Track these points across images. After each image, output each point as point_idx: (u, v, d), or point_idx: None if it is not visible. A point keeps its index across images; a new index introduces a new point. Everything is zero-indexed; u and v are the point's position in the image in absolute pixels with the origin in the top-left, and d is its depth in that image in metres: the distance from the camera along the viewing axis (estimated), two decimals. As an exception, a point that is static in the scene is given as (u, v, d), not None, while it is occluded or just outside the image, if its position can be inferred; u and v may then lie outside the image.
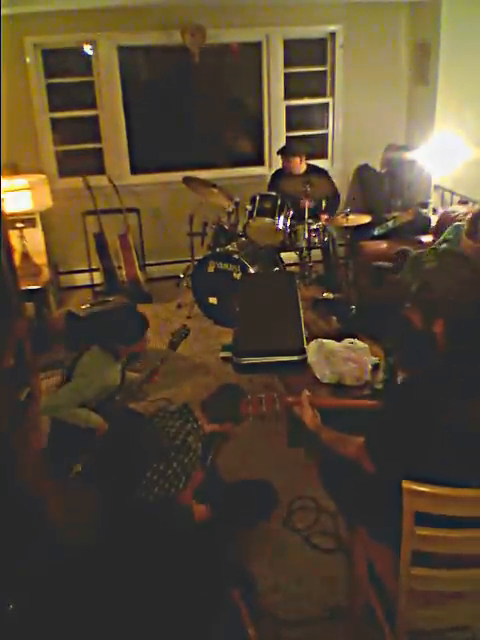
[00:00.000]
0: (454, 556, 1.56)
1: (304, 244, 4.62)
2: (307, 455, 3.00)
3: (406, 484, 1.46)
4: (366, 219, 4.50)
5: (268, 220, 4.48)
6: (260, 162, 5.66)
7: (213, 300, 4.48)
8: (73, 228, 5.19)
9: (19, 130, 4.94)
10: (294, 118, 5.55)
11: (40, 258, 4.65)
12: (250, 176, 5.53)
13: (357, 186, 5.61)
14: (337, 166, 5.63)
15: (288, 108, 5.48)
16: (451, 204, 4.96)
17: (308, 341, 2.86)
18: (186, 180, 4.78)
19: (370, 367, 2.86)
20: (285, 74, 5.34)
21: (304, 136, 5.63)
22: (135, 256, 5.15)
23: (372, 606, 1.88)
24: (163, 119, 5.38)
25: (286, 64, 5.31)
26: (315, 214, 4.68)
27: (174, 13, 4.88)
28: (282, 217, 4.49)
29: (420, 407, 1.54)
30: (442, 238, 3.97)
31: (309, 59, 5.45)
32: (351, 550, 2.15)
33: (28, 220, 4.53)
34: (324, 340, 2.97)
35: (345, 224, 4.40)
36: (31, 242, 4.53)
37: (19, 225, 4.36)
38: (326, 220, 4.66)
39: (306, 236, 4.56)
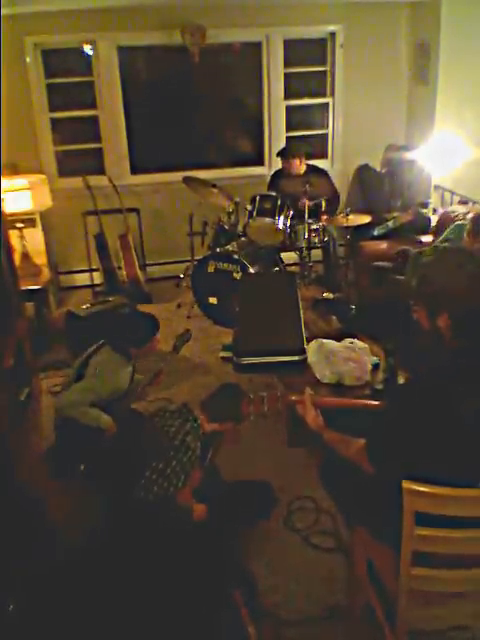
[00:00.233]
0: (454, 556, 1.56)
1: (304, 244, 4.63)
2: (309, 455, 3.00)
3: (406, 484, 1.46)
4: (366, 219, 4.50)
5: (268, 220, 4.48)
6: (260, 162, 5.66)
7: (213, 300, 4.48)
8: (73, 228, 5.19)
9: (19, 130, 4.94)
10: (294, 118, 5.55)
11: (40, 258, 4.65)
12: (250, 176, 5.53)
13: (357, 186, 5.61)
14: (337, 166, 5.64)
15: (288, 108, 5.48)
16: (451, 204, 4.96)
17: (308, 341, 2.86)
18: (186, 180, 4.78)
19: (370, 367, 2.86)
20: (285, 74, 5.34)
21: (304, 136, 5.63)
22: (135, 256, 5.15)
23: (372, 606, 1.88)
24: (163, 119, 5.38)
25: (286, 64, 5.31)
26: (315, 214, 4.68)
27: (174, 13, 4.88)
28: (282, 217, 4.49)
29: (425, 405, 1.54)
30: (443, 237, 3.98)
31: (309, 59, 5.45)
32: (351, 550, 2.15)
33: (28, 220, 4.53)
34: (324, 340, 2.97)
35: (345, 224, 4.40)
36: (31, 242, 4.53)
37: (19, 225, 4.36)
38: (326, 220, 4.66)
39: (306, 236, 4.57)
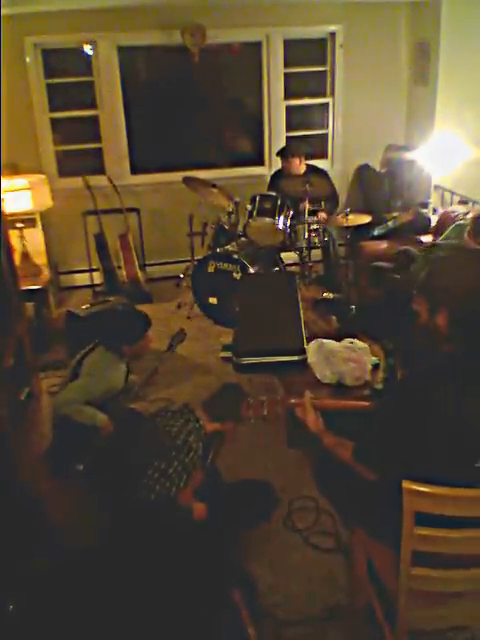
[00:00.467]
0: (454, 556, 1.56)
1: (304, 244, 4.63)
2: (308, 456, 3.00)
3: (406, 484, 1.46)
4: (366, 219, 4.49)
5: (268, 220, 4.47)
6: (260, 162, 5.66)
7: (213, 300, 4.48)
8: (73, 228, 5.19)
9: (19, 130, 4.94)
10: (294, 118, 5.55)
11: (40, 258, 4.65)
12: (250, 176, 5.53)
13: (357, 186, 5.61)
14: (337, 166, 5.64)
15: (288, 108, 5.48)
16: (451, 204, 4.96)
17: (308, 341, 2.86)
18: (186, 180, 4.78)
19: (370, 367, 2.86)
20: (285, 74, 5.34)
21: (304, 136, 5.63)
22: (135, 256, 5.15)
23: (372, 606, 1.88)
24: (163, 119, 5.38)
25: (286, 64, 5.31)
26: (315, 214, 4.68)
27: (174, 13, 4.88)
28: (282, 217, 4.49)
29: (415, 404, 1.54)
30: (443, 237, 3.98)
31: (309, 59, 5.45)
32: (351, 550, 2.15)
33: (28, 220, 4.52)
34: (324, 340, 2.97)
35: (345, 224, 4.40)
36: (31, 242, 4.53)
37: (19, 225, 4.36)
38: (326, 220, 4.66)
39: (306, 236, 4.57)
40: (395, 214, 4.84)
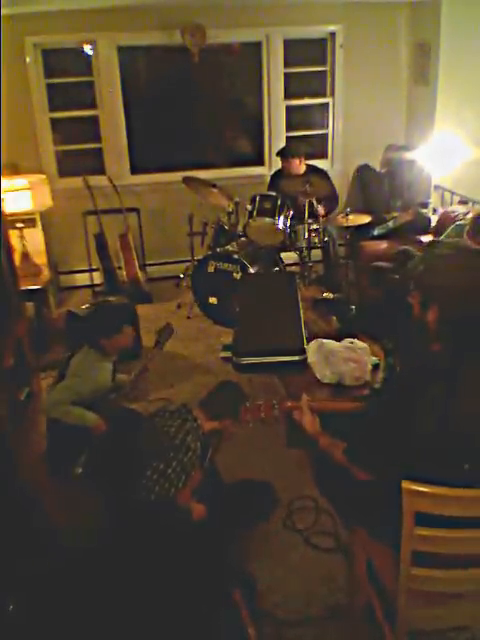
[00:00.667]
0: (454, 556, 1.56)
1: (304, 244, 4.63)
2: (307, 456, 3.00)
3: (406, 484, 1.46)
4: (366, 219, 4.50)
5: (268, 220, 4.47)
6: (260, 162, 5.66)
7: (213, 300, 4.48)
8: (73, 228, 5.19)
9: (19, 130, 4.94)
10: (294, 118, 5.55)
11: (40, 258, 4.65)
12: (250, 176, 5.53)
13: (357, 186, 5.61)
14: (337, 166, 5.64)
15: (288, 108, 5.48)
16: (451, 204, 4.96)
17: (308, 341, 2.86)
18: (186, 180, 4.78)
19: (370, 367, 2.86)
20: (285, 74, 5.34)
21: (304, 136, 5.63)
22: (135, 256, 5.15)
23: (372, 606, 1.88)
24: (163, 119, 5.38)
25: (286, 64, 5.31)
26: (314, 214, 4.68)
27: (174, 13, 4.88)
28: (282, 217, 4.49)
29: (403, 404, 1.54)
30: (443, 237, 3.98)
31: (309, 59, 5.45)
32: (351, 550, 2.15)
33: (28, 220, 4.52)
34: (324, 340, 2.96)
35: (345, 224, 4.40)
36: (31, 242, 4.53)
37: (19, 225, 4.36)
38: (326, 220, 4.66)
39: (306, 236, 4.57)
40: (395, 214, 4.84)
